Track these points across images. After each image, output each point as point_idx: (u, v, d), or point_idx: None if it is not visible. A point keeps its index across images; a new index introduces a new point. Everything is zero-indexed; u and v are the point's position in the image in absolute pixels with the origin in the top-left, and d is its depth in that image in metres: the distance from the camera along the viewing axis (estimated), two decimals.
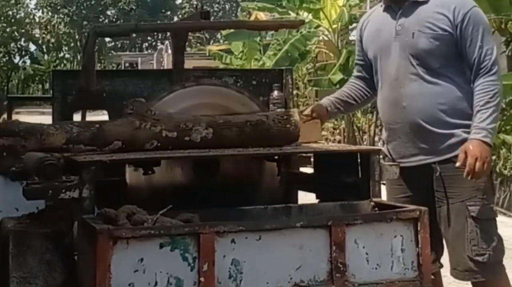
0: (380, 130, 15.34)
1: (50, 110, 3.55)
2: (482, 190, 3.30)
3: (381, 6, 3.56)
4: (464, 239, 3.27)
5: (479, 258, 3.26)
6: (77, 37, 51.45)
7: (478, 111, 3.25)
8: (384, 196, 3.17)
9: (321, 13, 14.99)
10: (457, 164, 3.19)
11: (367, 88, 3.68)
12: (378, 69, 3.52)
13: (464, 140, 3.26)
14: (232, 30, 14.80)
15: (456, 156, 3.23)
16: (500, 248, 3.32)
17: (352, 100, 3.69)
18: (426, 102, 3.32)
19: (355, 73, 3.76)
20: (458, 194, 3.30)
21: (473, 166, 3.16)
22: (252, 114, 3.19)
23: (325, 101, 3.70)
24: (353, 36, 15.67)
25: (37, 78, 51.44)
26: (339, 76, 14.28)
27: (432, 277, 2.84)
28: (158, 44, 50.64)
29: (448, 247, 3.38)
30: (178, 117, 3.07)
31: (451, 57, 3.32)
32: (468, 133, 3.26)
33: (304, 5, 14.81)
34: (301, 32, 14.57)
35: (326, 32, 15.88)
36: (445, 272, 3.55)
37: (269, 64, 14.51)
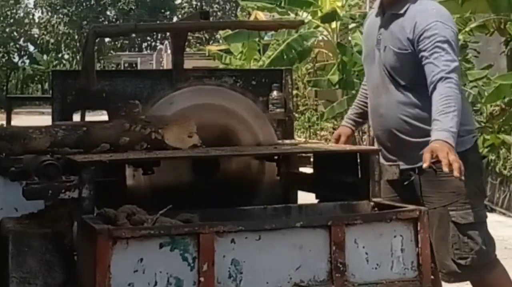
0: None
1: (50, 110, 3.54)
2: (464, 195, 3.27)
3: (373, 10, 3.56)
4: (447, 243, 3.28)
5: (462, 262, 3.28)
6: (76, 37, 51.44)
7: (438, 116, 3.14)
8: None
9: (319, 13, 14.99)
10: (424, 165, 3.08)
11: None
12: (366, 75, 3.56)
13: None
14: (231, 30, 14.81)
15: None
16: (486, 250, 3.31)
17: (367, 108, 3.63)
18: (399, 112, 3.34)
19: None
20: (439, 199, 3.29)
21: (447, 159, 3.04)
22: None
23: (347, 122, 3.72)
24: (350, 38, 15.70)
25: (36, 78, 51.43)
26: (338, 77, 14.28)
27: (432, 277, 2.84)
28: (158, 44, 50.66)
29: (433, 250, 3.38)
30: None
31: (418, 73, 3.25)
32: None
33: (295, 7, 14.82)
34: (299, 32, 14.56)
35: (326, 32, 15.88)
36: None
37: (267, 64, 14.52)
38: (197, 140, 3.11)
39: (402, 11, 3.32)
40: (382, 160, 3.34)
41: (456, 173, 3.01)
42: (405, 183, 3.28)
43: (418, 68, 3.25)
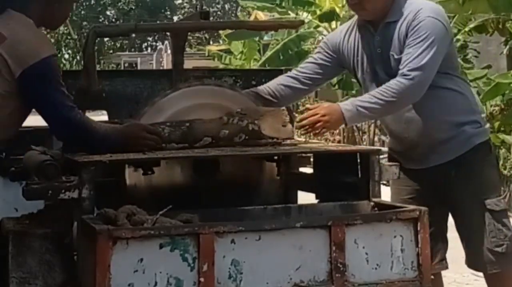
0: (380, 130, 15.35)
1: None
2: (493, 183, 3.39)
3: (355, 23, 3.47)
4: (483, 233, 3.31)
5: (499, 249, 3.33)
6: (76, 37, 51.43)
7: (365, 95, 3.24)
8: (386, 197, 3.16)
9: (318, 12, 14.99)
10: (301, 121, 3.20)
11: (302, 86, 3.56)
12: (369, 89, 3.43)
13: (472, 135, 3.29)
14: (231, 30, 14.81)
15: (465, 153, 3.29)
16: None
17: (273, 96, 3.51)
18: (427, 113, 3.34)
19: (303, 64, 3.63)
20: (473, 190, 3.34)
21: (314, 115, 3.18)
22: None
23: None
24: None
25: None
26: (338, 77, 14.27)
27: (432, 277, 2.85)
28: (158, 44, 50.67)
29: (464, 242, 3.42)
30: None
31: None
32: (476, 128, 3.30)
33: (299, 6, 14.81)
34: (298, 32, 14.56)
35: (326, 32, 15.87)
36: (445, 272, 3.56)
37: (261, 64, 14.51)
38: (291, 130, 3.21)
39: (396, 18, 3.31)
40: (403, 159, 3.41)
41: (303, 128, 3.22)
42: (452, 173, 3.33)
43: None
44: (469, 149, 3.33)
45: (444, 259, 3.48)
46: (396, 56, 3.29)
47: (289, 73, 3.64)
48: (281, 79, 3.58)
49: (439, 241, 3.45)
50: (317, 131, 3.24)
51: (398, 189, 3.50)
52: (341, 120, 3.21)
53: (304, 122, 3.23)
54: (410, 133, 3.39)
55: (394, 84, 3.19)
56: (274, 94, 3.50)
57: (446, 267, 3.52)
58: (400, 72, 3.21)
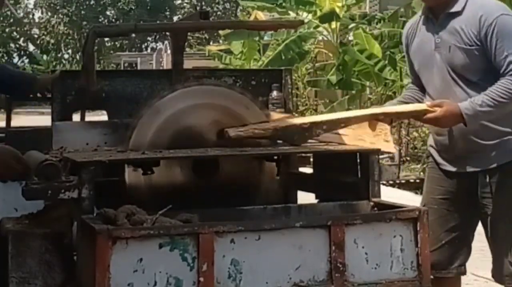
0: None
1: (49, 110, 3.54)
2: None
3: (421, 16, 3.47)
4: (508, 246, 3.27)
5: None
6: (76, 37, 51.42)
7: (481, 96, 3.15)
8: (386, 197, 3.16)
9: (318, 12, 15.00)
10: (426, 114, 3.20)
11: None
12: (424, 81, 3.45)
13: None
14: (231, 30, 14.81)
15: (506, 163, 3.21)
16: None
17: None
18: None
19: (411, 81, 3.65)
20: (502, 201, 3.26)
21: (438, 116, 3.16)
22: None
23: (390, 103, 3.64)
24: (352, 36, 15.71)
25: None
26: (338, 77, 14.28)
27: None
28: (158, 44, 50.67)
29: (492, 253, 3.38)
30: None
31: (489, 69, 3.22)
32: None
33: (300, 6, 14.82)
34: (298, 33, 14.57)
35: (325, 33, 15.88)
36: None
37: (265, 65, 14.52)
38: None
39: (460, 9, 3.27)
40: (440, 159, 3.38)
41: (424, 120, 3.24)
42: (486, 180, 3.26)
43: (488, 63, 3.21)
44: (508, 161, 3.23)
45: (463, 265, 3.43)
46: (458, 45, 3.23)
47: (409, 85, 3.68)
48: (409, 92, 3.60)
49: (463, 246, 3.39)
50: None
51: (433, 188, 3.45)
52: (456, 121, 3.17)
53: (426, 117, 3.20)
54: (451, 132, 3.31)
55: (504, 80, 3.14)
56: (417, 100, 3.53)
57: (464, 273, 3.48)
58: (506, 72, 3.16)
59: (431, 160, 3.45)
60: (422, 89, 3.51)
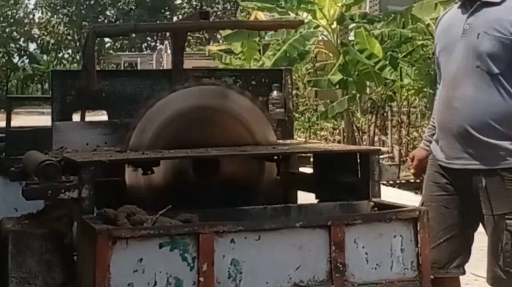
0: (380, 130, 15.36)
1: (50, 110, 3.54)
2: None
3: (456, 2, 3.44)
4: (497, 250, 3.25)
5: (510, 270, 3.21)
6: (76, 37, 51.44)
7: None
8: (386, 197, 3.16)
9: (319, 12, 14.99)
10: None
11: None
12: (441, 66, 3.41)
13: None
14: (231, 30, 14.81)
15: (503, 169, 3.16)
16: None
17: None
18: (478, 107, 3.21)
19: (437, 80, 3.57)
20: (498, 206, 3.22)
21: None
22: None
23: (423, 143, 3.59)
24: (352, 36, 15.71)
25: (36, 78, 51.42)
26: (338, 77, 14.28)
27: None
28: (158, 44, 50.64)
29: (487, 254, 3.37)
30: None
31: None
32: None
33: (302, 5, 14.82)
34: (300, 32, 14.57)
35: (326, 32, 15.88)
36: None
37: (268, 64, 14.53)
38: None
39: (498, 0, 3.24)
40: (440, 155, 3.34)
41: None
42: (482, 185, 3.21)
43: None
44: (505, 168, 3.18)
45: (462, 265, 3.41)
46: (489, 33, 3.18)
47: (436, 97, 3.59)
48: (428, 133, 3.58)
49: (462, 245, 3.36)
50: None
51: (430, 185, 3.41)
52: None
53: None
54: (453, 122, 3.26)
55: None
56: None
57: (463, 273, 3.47)
58: None
59: (432, 157, 3.44)
60: None
